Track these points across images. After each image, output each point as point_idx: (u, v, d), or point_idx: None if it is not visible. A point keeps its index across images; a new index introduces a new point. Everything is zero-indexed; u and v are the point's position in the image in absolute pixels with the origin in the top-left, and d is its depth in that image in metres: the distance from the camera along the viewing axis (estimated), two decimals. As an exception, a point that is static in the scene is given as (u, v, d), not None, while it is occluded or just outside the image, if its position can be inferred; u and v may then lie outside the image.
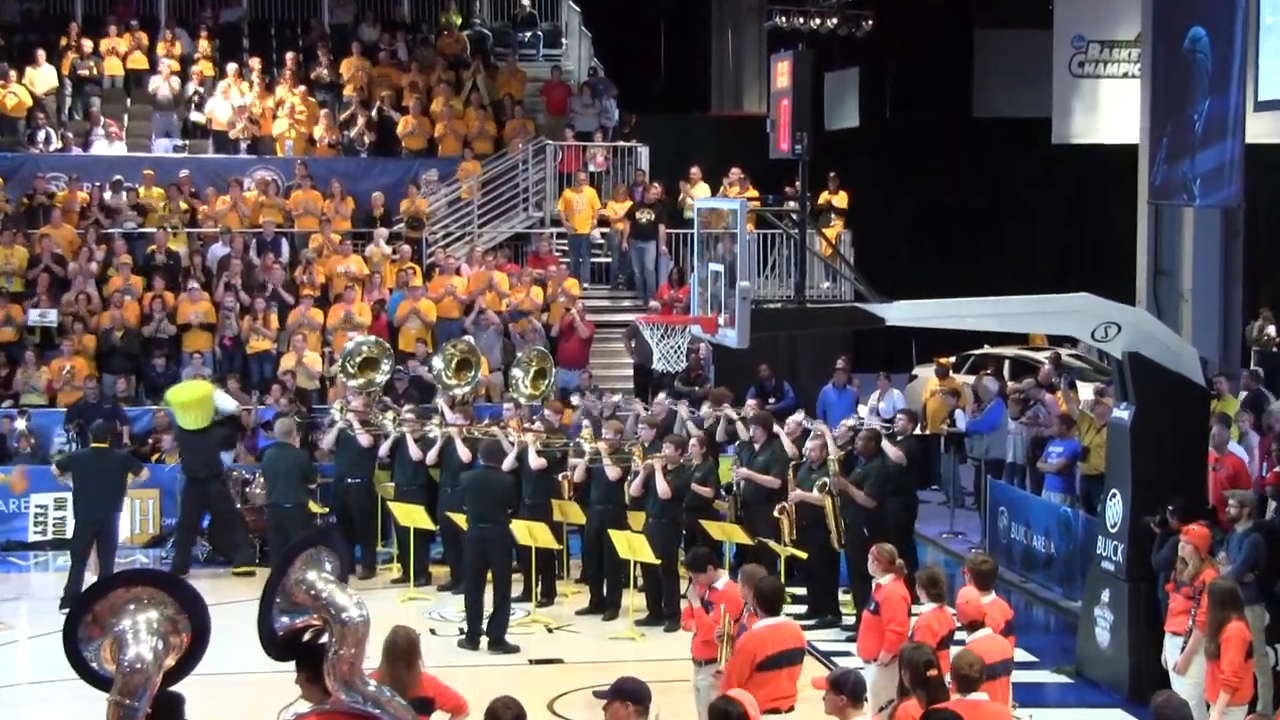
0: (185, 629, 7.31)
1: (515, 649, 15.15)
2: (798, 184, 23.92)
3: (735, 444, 17.42)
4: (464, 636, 15.35)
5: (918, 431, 17.91)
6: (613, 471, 16.31)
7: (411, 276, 23.07)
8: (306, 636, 7.61)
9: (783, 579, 15.46)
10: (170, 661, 7.22)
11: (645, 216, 24.93)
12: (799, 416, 17.28)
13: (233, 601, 15.07)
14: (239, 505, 18.64)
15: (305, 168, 25.17)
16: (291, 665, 7.66)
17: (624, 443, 16.82)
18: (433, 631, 15.67)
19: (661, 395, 19.62)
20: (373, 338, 20.51)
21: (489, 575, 15.38)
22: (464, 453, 17.13)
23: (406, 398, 19.71)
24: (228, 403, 19.18)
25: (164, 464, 19.34)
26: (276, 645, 7.59)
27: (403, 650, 8.33)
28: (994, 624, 10.39)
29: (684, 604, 12.37)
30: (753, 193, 24.48)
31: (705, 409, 18.65)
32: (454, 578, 17.15)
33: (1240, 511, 12.89)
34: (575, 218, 25.03)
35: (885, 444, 16.25)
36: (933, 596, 10.79)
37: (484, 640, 15.22)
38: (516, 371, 19.58)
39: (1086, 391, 19.99)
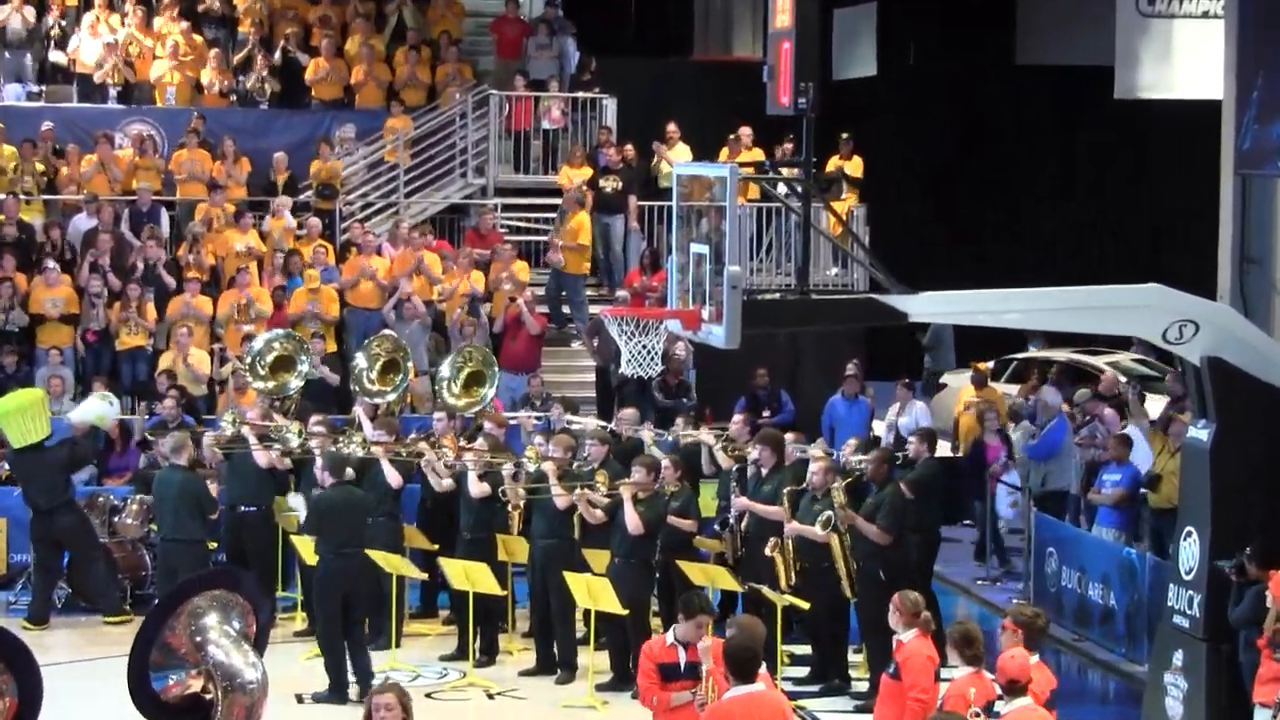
0: (10, 692, 7.31)
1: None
2: (788, 146, 24.33)
3: (734, 469, 17.31)
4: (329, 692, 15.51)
5: (949, 454, 17.92)
6: (561, 499, 16.27)
7: (318, 258, 22.95)
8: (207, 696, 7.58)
9: (778, 634, 15.50)
10: None
11: (611, 185, 24.87)
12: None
13: (104, 656, 15.00)
14: (105, 539, 18.54)
15: (193, 121, 25.06)
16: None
17: (575, 463, 16.76)
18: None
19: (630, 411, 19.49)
20: (282, 331, 20.47)
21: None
22: (392, 476, 17.13)
23: (300, 407, 19.56)
24: (91, 412, 19.01)
25: (12, 487, 19.23)
26: (151, 703, 7.54)
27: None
28: (1037, 693, 10.38)
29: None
30: (751, 155, 24.36)
31: (678, 425, 18.62)
32: (373, 629, 17.08)
33: (1343, 555, 12.91)
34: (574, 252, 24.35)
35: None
36: (968, 659, 10.77)
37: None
38: (444, 371, 19.51)
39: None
